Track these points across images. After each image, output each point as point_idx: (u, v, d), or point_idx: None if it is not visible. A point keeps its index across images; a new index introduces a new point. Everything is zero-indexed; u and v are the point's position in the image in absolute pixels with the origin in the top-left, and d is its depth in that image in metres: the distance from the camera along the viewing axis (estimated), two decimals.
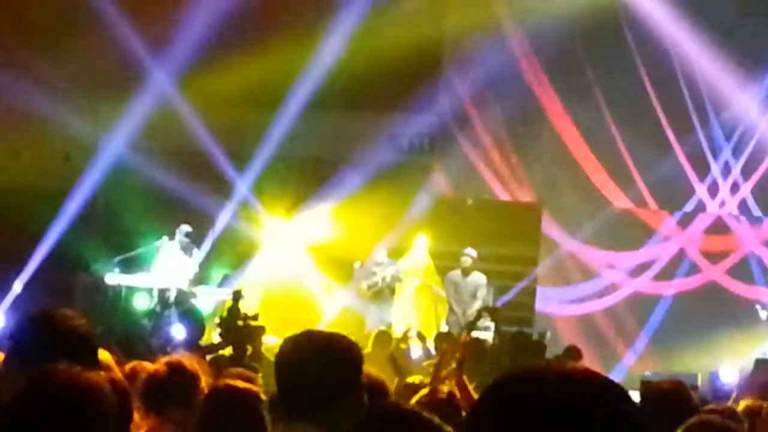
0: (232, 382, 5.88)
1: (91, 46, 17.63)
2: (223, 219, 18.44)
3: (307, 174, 18.86)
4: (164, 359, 6.54)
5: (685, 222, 19.78)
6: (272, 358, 14.65)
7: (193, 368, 6.09)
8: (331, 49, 18.42)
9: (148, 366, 6.93)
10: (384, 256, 17.73)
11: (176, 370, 6.02)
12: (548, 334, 16.94)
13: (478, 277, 17.34)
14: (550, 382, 2.17)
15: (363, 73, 18.04)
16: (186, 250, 17.17)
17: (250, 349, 14.48)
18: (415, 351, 15.25)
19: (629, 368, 18.29)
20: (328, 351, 4.46)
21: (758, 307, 17.83)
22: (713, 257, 19.75)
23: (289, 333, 14.96)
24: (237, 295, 15.87)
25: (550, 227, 19.64)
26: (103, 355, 5.44)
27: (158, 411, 5.86)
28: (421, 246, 18.23)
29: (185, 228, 17.14)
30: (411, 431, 2.54)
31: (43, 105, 17.37)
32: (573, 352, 15.19)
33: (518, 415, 2.12)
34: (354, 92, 18.44)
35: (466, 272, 17.32)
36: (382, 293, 17.54)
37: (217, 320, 15.87)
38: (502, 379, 2.25)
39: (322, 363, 4.35)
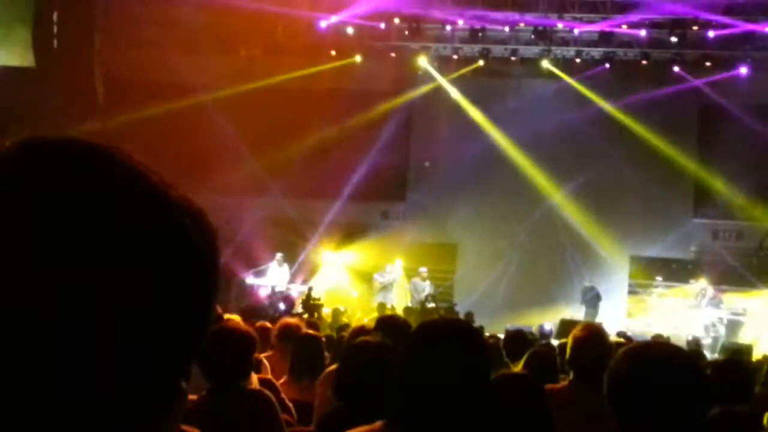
0: (308, 330, 5.99)
1: (237, 165, 17.12)
2: (303, 253, 18.35)
3: (346, 232, 18.62)
4: (281, 321, 6.47)
5: None
6: (328, 320, 14.93)
7: (294, 323, 6.17)
8: (358, 172, 18.38)
9: (269, 324, 6.82)
10: (386, 271, 17.68)
11: (287, 323, 6.08)
12: (457, 307, 16.99)
13: (426, 282, 17.43)
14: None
15: (372, 182, 18.14)
16: (281, 266, 17.00)
17: (316, 314, 14.89)
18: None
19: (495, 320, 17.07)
20: (397, 325, 4.22)
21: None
22: None
23: (335, 306, 15.12)
24: (310, 289, 16.68)
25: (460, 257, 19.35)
26: (237, 318, 5.78)
27: (279, 342, 5.86)
28: (400, 266, 18.12)
29: (279, 254, 17.05)
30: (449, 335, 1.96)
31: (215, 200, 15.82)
32: (470, 315, 14.87)
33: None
34: (367, 192, 18.32)
35: (421, 278, 17.43)
36: (385, 288, 17.50)
37: (300, 300, 16.49)
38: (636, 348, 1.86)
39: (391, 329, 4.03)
